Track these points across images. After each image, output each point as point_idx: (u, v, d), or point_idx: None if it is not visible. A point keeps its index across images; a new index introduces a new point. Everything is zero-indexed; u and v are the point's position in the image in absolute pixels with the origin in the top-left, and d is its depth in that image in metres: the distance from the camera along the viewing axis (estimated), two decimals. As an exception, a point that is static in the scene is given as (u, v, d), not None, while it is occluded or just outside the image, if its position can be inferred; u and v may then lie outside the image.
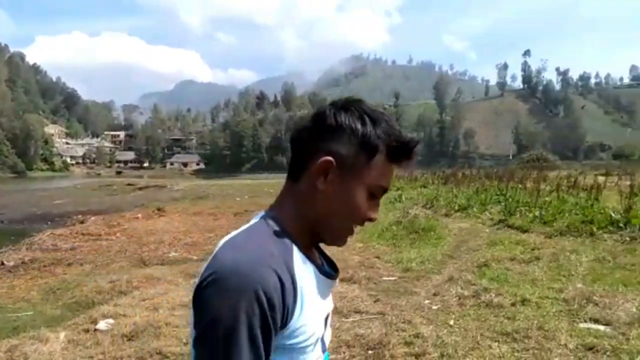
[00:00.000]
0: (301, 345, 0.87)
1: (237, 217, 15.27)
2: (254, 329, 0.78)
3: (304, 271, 0.88)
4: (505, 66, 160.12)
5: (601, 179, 16.35)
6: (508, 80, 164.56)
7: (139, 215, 16.73)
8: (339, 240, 0.96)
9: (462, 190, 15.41)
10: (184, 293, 5.63)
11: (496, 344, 3.86)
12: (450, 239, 8.99)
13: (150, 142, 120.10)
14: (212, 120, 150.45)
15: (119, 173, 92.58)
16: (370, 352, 3.86)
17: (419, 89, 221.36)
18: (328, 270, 0.97)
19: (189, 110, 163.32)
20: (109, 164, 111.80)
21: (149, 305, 5.38)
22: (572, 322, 4.35)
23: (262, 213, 0.95)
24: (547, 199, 11.90)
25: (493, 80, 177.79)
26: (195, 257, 9.04)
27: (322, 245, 1.01)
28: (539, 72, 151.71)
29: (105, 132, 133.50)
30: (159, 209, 18.08)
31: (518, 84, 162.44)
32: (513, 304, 4.85)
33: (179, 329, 4.45)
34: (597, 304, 4.73)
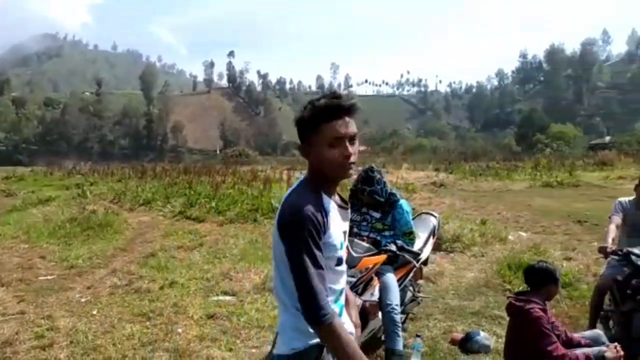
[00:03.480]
0: (333, 243, 1.59)
1: None
2: (314, 227, 1.51)
3: (328, 203, 1.61)
4: (212, 64, 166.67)
5: (286, 172, 19.07)
6: (215, 77, 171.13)
7: None
8: (340, 175, 1.64)
9: (153, 184, 15.58)
10: None
11: (130, 325, 4.23)
12: (128, 232, 9.10)
13: None
14: None
15: None
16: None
17: (125, 77, 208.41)
18: (341, 203, 1.71)
19: None
20: None
21: None
22: (205, 296, 5.08)
23: (302, 176, 1.71)
24: (230, 191, 13.17)
25: (201, 76, 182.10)
26: None
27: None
28: (242, 73, 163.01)
29: None
30: None
31: (224, 82, 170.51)
32: (161, 288, 5.35)
33: None
34: (231, 279, 5.62)
